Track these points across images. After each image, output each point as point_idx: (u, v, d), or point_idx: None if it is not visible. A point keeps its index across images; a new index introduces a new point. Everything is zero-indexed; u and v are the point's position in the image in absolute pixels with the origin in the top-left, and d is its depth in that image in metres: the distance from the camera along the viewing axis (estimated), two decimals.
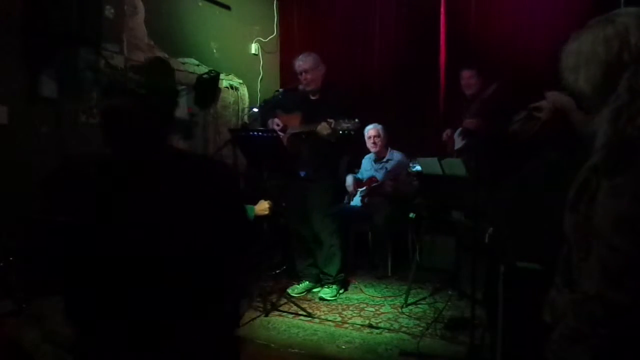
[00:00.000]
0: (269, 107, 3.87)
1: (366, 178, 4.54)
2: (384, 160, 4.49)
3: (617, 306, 0.88)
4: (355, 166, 4.75)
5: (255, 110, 5.27)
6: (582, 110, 1.13)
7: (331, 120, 3.33)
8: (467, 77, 4.01)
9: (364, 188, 4.43)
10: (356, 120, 3.28)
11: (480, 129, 3.72)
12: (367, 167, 4.61)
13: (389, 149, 4.51)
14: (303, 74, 3.61)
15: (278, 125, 3.69)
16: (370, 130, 4.46)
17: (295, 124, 3.66)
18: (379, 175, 4.45)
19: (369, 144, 4.46)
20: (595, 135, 1.00)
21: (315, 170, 3.57)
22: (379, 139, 4.43)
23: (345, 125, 3.27)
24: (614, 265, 0.89)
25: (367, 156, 4.64)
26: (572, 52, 1.06)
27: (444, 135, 4.20)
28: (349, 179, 4.52)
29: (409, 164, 4.22)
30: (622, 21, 0.99)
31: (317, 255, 3.71)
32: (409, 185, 4.16)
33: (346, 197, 4.56)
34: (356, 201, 4.45)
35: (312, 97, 3.67)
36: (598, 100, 1.01)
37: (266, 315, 3.21)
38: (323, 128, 3.38)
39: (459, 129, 3.97)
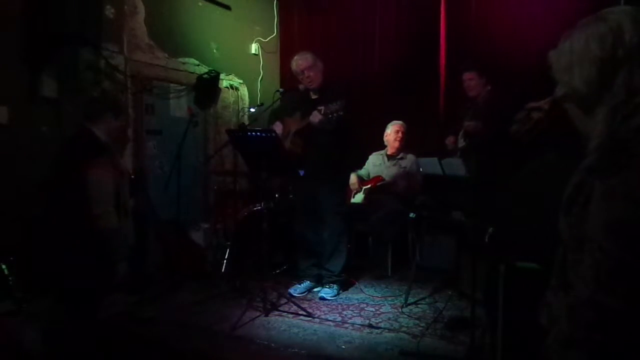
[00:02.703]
0: (274, 116, 3.84)
1: (373, 175, 4.52)
2: (399, 157, 4.47)
3: (610, 311, 0.87)
4: (356, 164, 4.72)
5: (253, 110, 5.28)
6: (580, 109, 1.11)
7: (321, 107, 3.31)
8: (468, 79, 3.99)
9: (369, 186, 4.42)
10: (341, 101, 3.24)
11: (480, 131, 3.71)
12: (377, 162, 4.56)
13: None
14: (305, 72, 3.56)
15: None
16: (397, 124, 4.45)
17: (296, 124, 3.65)
18: (391, 173, 4.42)
19: (394, 137, 4.43)
20: (591, 135, 0.99)
21: (323, 168, 3.56)
22: (404, 135, 4.43)
23: (334, 107, 3.25)
24: (606, 269, 0.88)
25: (375, 152, 4.61)
26: (564, 52, 1.05)
27: (448, 143, 4.16)
28: (352, 177, 4.49)
29: (419, 167, 4.22)
30: (614, 18, 0.99)
31: (320, 252, 3.70)
32: (420, 185, 4.16)
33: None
34: (358, 199, 4.43)
35: (313, 97, 3.65)
36: (594, 99, 1.00)
37: (266, 315, 3.21)
38: (314, 117, 3.35)
39: (462, 131, 3.97)
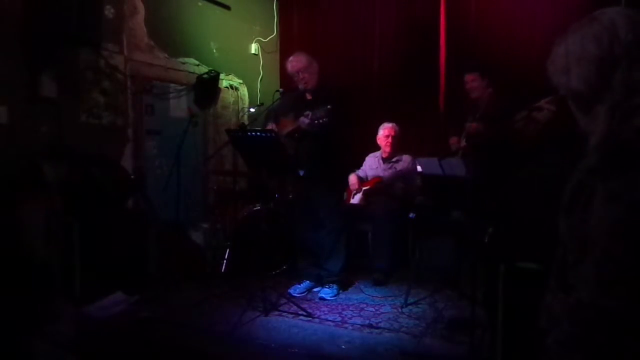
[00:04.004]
0: (272, 115, 3.85)
1: (371, 177, 4.52)
2: (393, 160, 4.44)
3: (611, 313, 0.87)
4: (354, 164, 4.71)
5: (253, 110, 5.28)
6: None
7: (308, 112, 3.32)
8: (471, 81, 3.96)
9: (368, 187, 4.41)
10: (327, 106, 3.25)
11: (481, 133, 3.70)
12: (373, 165, 4.54)
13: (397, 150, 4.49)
14: (300, 73, 3.57)
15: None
16: (388, 128, 4.39)
17: (289, 125, 3.65)
18: (387, 176, 4.40)
19: (384, 142, 4.39)
20: (591, 135, 0.99)
21: (314, 169, 3.56)
22: (395, 139, 4.38)
23: (319, 114, 3.26)
24: (608, 272, 0.88)
25: (372, 154, 4.59)
26: (559, 54, 1.04)
27: (452, 144, 4.13)
28: (352, 177, 4.48)
29: (416, 167, 4.19)
30: (608, 18, 0.99)
31: (319, 253, 3.70)
32: (418, 186, 4.15)
33: (344, 195, 4.53)
34: (357, 199, 4.43)
35: (308, 97, 3.66)
36: (593, 99, 1.00)
37: (266, 315, 3.21)
38: (302, 122, 3.37)
39: (464, 132, 3.96)
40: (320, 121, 3.27)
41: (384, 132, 4.40)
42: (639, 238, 0.85)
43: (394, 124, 4.43)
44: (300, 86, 3.64)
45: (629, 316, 0.86)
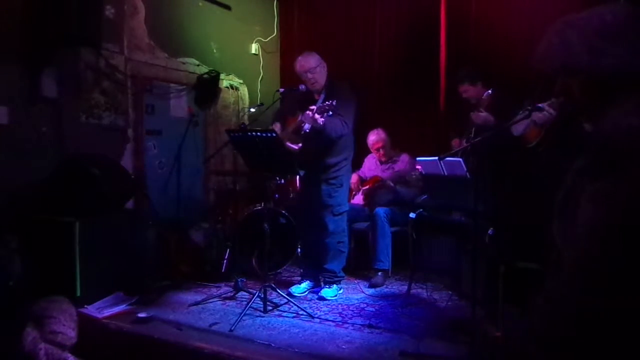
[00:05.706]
0: (279, 115, 3.83)
1: (370, 177, 4.53)
2: (391, 161, 4.46)
3: (595, 313, 0.86)
4: (354, 164, 4.70)
5: (253, 110, 5.28)
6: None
7: (313, 107, 3.29)
8: (464, 92, 3.95)
9: (367, 187, 4.42)
10: (332, 102, 3.22)
11: (490, 121, 3.66)
12: (372, 166, 4.57)
13: (394, 150, 4.50)
14: (308, 73, 3.52)
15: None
16: (374, 141, 4.39)
17: (294, 124, 3.64)
18: (386, 176, 4.42)
19: (377, 154, 4.43)
20: (595, 134, 0.97)
21: (318, 169, 3.56)
22: (385, 149, 4.39)
23: (324, 107, 3.22)
24: (591, 272, 0.86)
25: (371, 155, 4.60)
26: (579, 34, 0.99)
27: (454, 145, 4.12)
28: (353, 177, 4.48)
29: (415, 166, 4.18)
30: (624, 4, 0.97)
31: (320, 253, 3.70)
32: (417, 187, 4.15)
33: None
34: (357, 199, 4.45)
35: (316, 98, 3.63)
36: (619, 85, 0.96)
37: (266, 315, 3.21)
38: (306, 117, 3.34)
39: (470, 122, 3.93)
40: (325, 115, 3.23)
41: (373, 146, 4.42)
42: (619, 239, 0.84)
43: (379, 131, 4.40)
44: (307, 86, 3.60)
45: (613, 315, 0.85)
